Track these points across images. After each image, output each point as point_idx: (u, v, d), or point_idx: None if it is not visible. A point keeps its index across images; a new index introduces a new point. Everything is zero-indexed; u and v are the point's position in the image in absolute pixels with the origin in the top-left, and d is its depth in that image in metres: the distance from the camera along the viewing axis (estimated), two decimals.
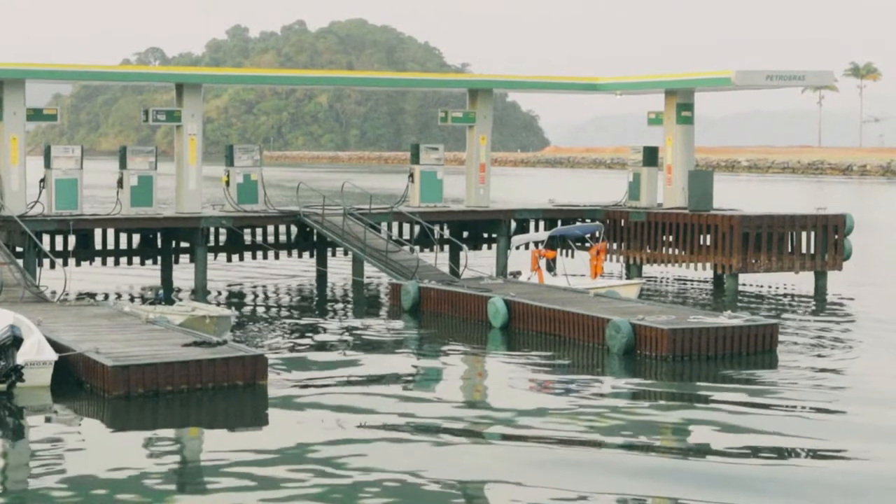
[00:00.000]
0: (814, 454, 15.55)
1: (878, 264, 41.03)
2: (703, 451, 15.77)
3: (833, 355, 22.80)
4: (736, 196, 59.07)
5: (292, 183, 48.03)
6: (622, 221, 34.93)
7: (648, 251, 34.31)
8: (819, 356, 22.61)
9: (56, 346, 19.43)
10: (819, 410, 18.03)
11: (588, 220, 35.32)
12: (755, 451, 15.49)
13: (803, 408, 18.17)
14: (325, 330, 25.57)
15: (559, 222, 35.73)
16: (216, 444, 16.06)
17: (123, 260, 33.19)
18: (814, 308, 29.92)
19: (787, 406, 18.24)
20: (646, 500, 13.61)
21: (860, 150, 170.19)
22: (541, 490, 13.77)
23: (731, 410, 17.94)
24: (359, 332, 25.33)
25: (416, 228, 35.07)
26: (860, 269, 36.85)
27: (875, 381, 20.54)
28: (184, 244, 33.10)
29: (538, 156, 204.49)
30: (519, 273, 31.11)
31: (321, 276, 34.68)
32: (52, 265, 30.38)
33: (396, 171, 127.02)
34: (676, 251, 33.66)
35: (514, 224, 35.86)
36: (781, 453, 15.47)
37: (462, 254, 33.07)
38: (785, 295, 32.33)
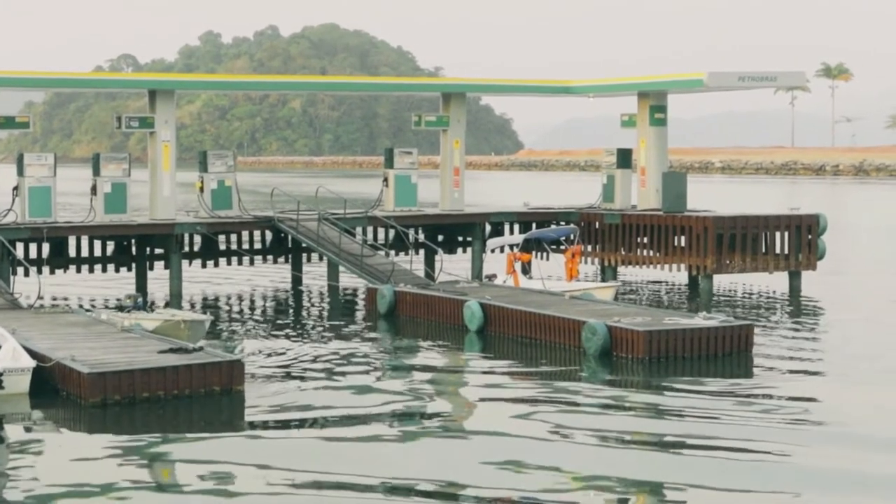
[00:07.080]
0: (788, 455, 15.62)
1: (851, 263, 41.25)
2: (678, 451, 15.82)
3: (807, 355, 22.89)
4: (710, 197, 59.24)
5: (266, 188, 47.98)
6: (597, 224, 35.00)
7: (623, 253, 34.39)
8: (794, 356, 22.71)
9: (31, 353, 19.35)
10: (793, 410, 18.10)
11: (563, 223, 35.40)
12: (731, 454, 15.56)
13: (778, 409, 18.23)
14: (301, 335, 25.54)
15: (534, 225, 35.79)
16: (193, 450, 16.03)
17: (98, 267, 33.10)
18: (788, 308, 30.05)
19: (762, 407, 18.30)
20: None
21: (833, 150, 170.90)
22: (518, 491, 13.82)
23: (707, 412, 18.01)
24: (335, 336, 25.32)
25: (391, 232, 35.08)
26: (834, 268, 37.03)
27: (848, 382, 20.67)
28: (158, 251, 32.97)
29: (512, 159, 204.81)
30: (494, 276, 31.14)
31: (296, 282, 34.64)
32: (27, 273, 30.28)
33: (370, 175, 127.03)
34: (651, 253, 33.74)
35: (488, 227, 35.89)
36: (757, 455, 15.53)
37: (437, 257, 33.10)
38: (759, 295, 32.48)
